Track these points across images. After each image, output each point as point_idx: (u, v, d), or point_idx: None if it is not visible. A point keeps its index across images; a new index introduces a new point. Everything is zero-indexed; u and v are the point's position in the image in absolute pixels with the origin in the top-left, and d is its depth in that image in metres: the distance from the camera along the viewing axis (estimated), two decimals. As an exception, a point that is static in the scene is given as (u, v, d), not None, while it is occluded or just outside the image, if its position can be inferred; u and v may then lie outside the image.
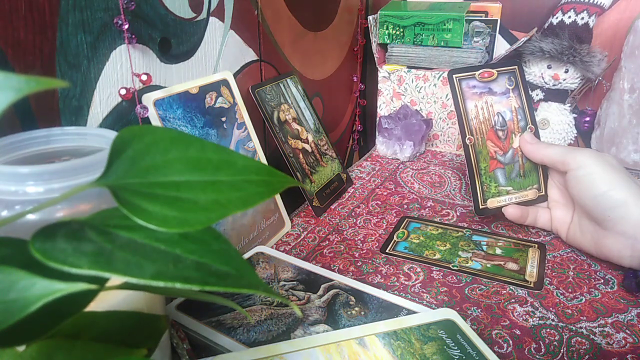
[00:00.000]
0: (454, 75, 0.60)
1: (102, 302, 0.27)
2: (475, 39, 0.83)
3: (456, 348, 0.37)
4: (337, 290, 0.46)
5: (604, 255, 0.52)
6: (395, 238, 0.59)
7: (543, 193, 0.60)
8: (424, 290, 0.50)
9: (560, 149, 0.55)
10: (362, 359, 0.36)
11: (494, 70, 0.60)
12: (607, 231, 0.50)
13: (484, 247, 0.57)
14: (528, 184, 0.60)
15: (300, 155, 0.65)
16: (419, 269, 0.53)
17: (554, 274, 0.52)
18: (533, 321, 0.45)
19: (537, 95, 0.83)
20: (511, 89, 0.60)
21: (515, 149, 0.59)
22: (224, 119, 0.55)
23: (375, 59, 0.88)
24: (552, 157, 0.55)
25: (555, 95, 0.82)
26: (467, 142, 0.59)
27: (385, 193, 0.72)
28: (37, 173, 0.28)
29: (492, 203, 0.59)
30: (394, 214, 0.66)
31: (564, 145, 0.57)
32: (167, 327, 0.24)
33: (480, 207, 0.60)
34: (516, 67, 0.61)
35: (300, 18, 0.73)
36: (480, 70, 0.60)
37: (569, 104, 0.83)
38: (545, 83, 0.81)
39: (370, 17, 0.86)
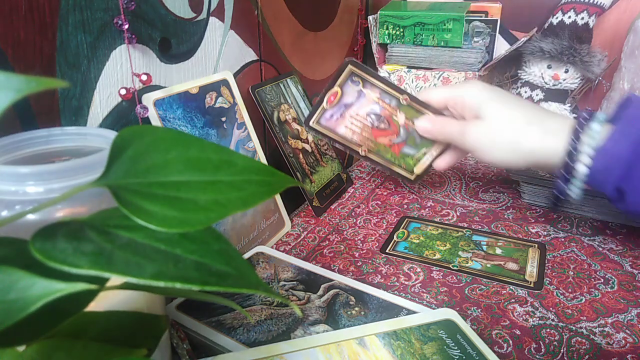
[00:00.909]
0: (310, 124, 0.60)
1: (102, 302, 0.27)
2: (475, 39, 0.83)
3: (456, 348, 0.37)
4: (337, 290, 0.46)
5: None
6: (395, 238, 0.59)
7: None
8: (424, 290, 0.50)
9: (448, 128, 0.56)
10: (362, 359, 0.36)
11: (336, 89, 0.59)
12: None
13: (484, 247, 0.57)
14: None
15: (300, 155, 0.65)
16: (419, 269, 0.53)
17: (554, 274, 0.52)
18: (533, 321, 0.45)
19: (537, 95, 0.83)
20: (361, 87, 0.59)
21: (403, 124, 0.60)
22: (224, 119, 0.55)
23: (375, 59, 0.88)
24: (447, 133, 0.56)
25: (555, 95, 0.82)
26: (362, 153, 0.60)
27: (385, 193, 0.72)
28: (37, 173, 0.28)
29: (419, 169, 0.61)
30: (394, 214, 0.66)
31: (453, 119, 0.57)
32: (167, 327, 0.24)
33: (413, 178, 0.61)
34: (349, 65, 0.59)
35: (300, 18, 0.73)
36: (325, 101, 0.59)
37: (569, 104, 0.83)
38: (545, 83, 0.81)
39: (370, 17, 0.86)
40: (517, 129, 0.49)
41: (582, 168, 0.46)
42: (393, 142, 0.60)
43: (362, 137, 0.60)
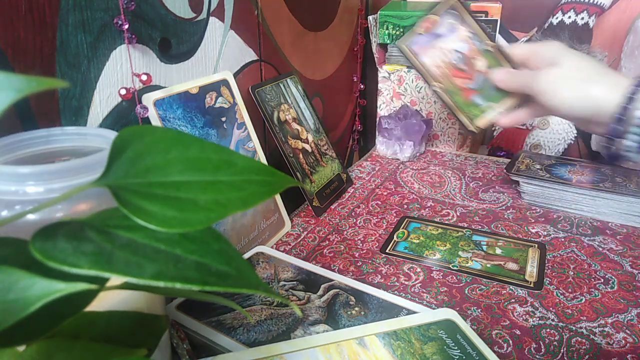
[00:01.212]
0: (402, 45, 0.62)
1: (102, 302, 0.27)
2: (475, 39, 0.83)
3: (456, 348, 0.37)
4: (337, 290, 0.46)
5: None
6: (395, 238, 0.59)
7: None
8: (424, 290, 0.50)
9: (523, 76, 0.57)
10: (362, 359, 0.36)
11: (434, 16, 0.61)
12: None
13: (484, 247, 0.57)
14: (507, 93, 0.61)
15: (300, 155, 0.65)
16: (419, 269, 0.53)
17: (554, 274, 0.52)
18: (533, 321, 0.45)
19: (537, 95, 0.83)
20: (457, 23, 0.61)
21: (482, 70, 0.61)
22: (224, 119, 0.55)
23: (375, 59, 0.88)
24: (520, 81, 0.58)
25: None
26: (434, 88, 0.61)
27: (385, 193, 0.72)
28: (37, 173, 0.28)
29: (481, 122, 0.61)
30: (394, 214, 0.66)
31: (525, 73, 0.58)
32: (167, 327, 0.24)
33: (472, 129, 0.61)
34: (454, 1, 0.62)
35: (300, 18, 0.73)
36: (420, 25, 0.62)
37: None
38: (545, 83, 0.81)
39: (370, 17, 0.86)
40: (589, 76, 0.51)
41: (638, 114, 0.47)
42: (467, 86, 0.61)
43: (440, 72, 0.61)
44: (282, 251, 0.56)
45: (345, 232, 0.61)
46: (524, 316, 0.46)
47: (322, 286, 0.47)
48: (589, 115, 0.51)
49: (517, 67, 0.59)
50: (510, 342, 0.43)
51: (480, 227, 0.62)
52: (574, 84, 0.52)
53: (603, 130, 0.51)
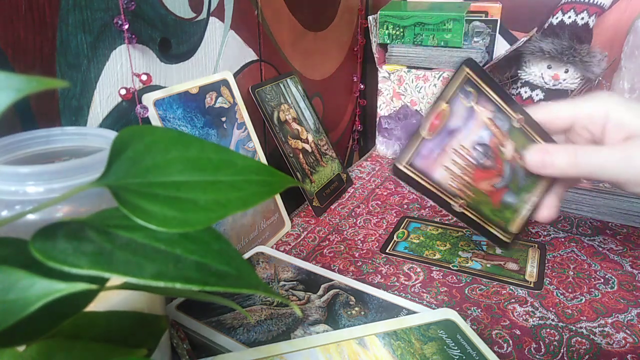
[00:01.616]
0: (400, 166, 0.40)
1: (102, 302, 0.27)
2: (475, 39, 0.83)
3: (456, 348, 0.37)
4: (337, 290, 0.46)
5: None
6: (395, 238, 0.59)
7: None
8: (424, 290, 0.50)
9: (595, 156, 0.39)
10: (362, 359, 0.36)
11: (443, 105, 0.41)
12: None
13: (484, 247, 0.57)
14: (538, 177, 0.45)
15: (300, 155, 0.65)
16: (419, 269, 0.53)
17: (554, 274, 0.52)
18: (533, 321, 0.45)
19: (537, 95, 0.83)
20: (473, 103, 0.42)
21: (510, 158, 0.43)
22: (224, 119, 0.55)
23: (375, 59, 0.88)
24: (590, 165, 0.39)
25: (555, 95, 0.82)
26: (458, 209, 0.42)
27: (385, 193, 0.72)
28: (37, 173, 0.28)
29: (516, 226, 0.45)
30: (394, 214, 0.66)
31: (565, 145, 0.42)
32: (167, 327, 0.24)
33: (509, 241, 0.46)
34: (464, 66, 0.42)
35: (300, 18, 0.73)
36: (427, 124, 0.40)
37: (569, 104, 0.83)
38: (545, 83, 0.81)
39: (370, 17, 0.86)
40: None
41: None
42: (495, 186, 0.43)
43: (462, 183, 0.42)
44: (282, 251, 0.56)
45: (345, 232, 0.61)
46: (524, 316, 0.46)
47: (322, 286, 0.47)
48: None
49: (550, 137, 0.44)
50: (510, 342, 0.43)
51: (480, 227, 0.62)
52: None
53: None
